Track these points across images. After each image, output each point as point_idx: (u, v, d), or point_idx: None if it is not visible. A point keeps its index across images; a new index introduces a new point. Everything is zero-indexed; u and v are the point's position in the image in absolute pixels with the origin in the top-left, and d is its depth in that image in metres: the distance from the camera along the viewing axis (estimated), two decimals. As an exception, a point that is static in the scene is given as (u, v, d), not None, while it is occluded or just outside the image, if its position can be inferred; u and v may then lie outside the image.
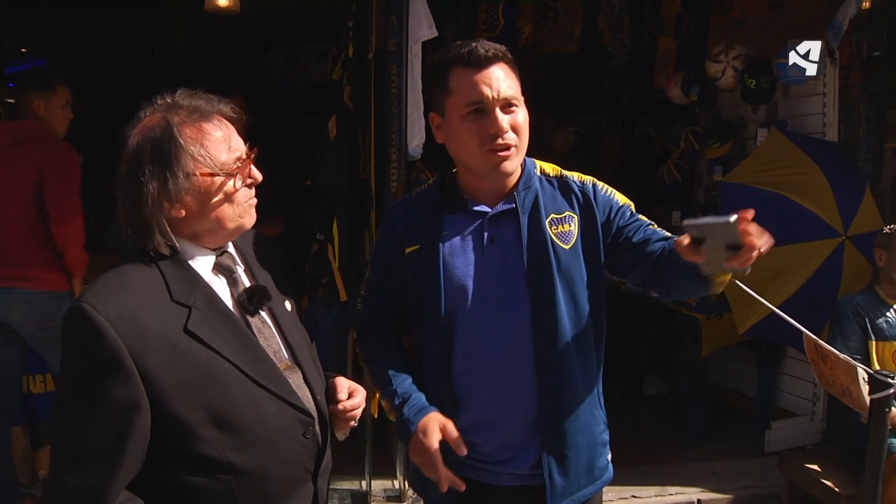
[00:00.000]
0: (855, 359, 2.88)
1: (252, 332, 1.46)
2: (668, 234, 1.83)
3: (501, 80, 1.70)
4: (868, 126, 4.82)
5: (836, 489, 3.23)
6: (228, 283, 1.48)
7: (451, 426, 1.71)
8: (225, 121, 1.46)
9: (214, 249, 1.48)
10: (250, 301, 1.47)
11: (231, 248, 1.53)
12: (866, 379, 2.40)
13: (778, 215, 3.85)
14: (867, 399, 2.39)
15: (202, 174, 1.39)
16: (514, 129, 1.71)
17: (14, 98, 3.61)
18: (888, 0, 4.53)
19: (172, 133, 1.38)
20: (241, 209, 1.46)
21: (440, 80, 1.75)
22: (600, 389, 1.91)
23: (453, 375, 1.81)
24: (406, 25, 3.47)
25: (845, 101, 4.66)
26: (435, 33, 3.53)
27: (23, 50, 6.19)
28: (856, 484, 3.06)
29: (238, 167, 1.44)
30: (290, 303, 1.61)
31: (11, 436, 3.56)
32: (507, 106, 1.71)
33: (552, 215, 1.78)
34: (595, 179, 1.87)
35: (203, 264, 1.45)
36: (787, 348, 4.57)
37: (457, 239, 1.80)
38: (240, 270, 1.52)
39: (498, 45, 1.74)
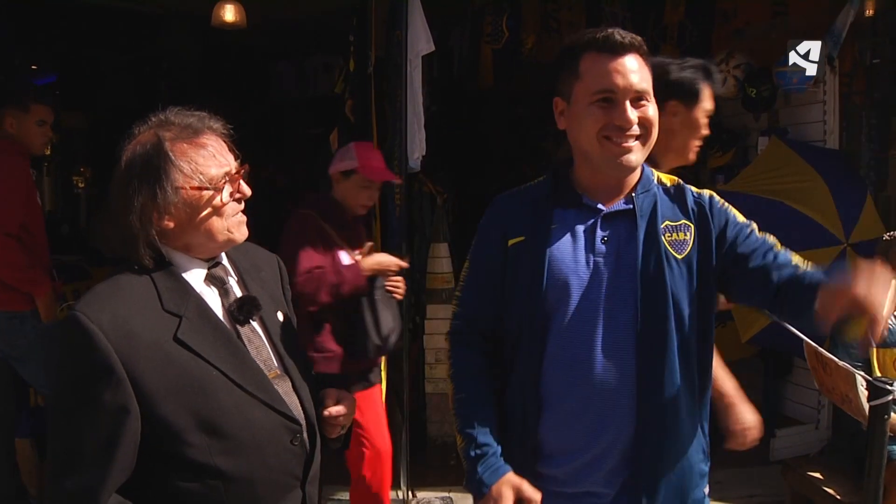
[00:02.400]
0: (855, 366, 2.88)
1: (242, 341, 1.50)
2: (796, 258, 1.68)
3: (635, 72, 1.62)
4: (871, 133, 4.82)
5: (838, 497, 3.22)
6: (220, 294, 1.52)
7: (525, 486, 1.62)
8: (216, 136, 1.50)
9: (207, 261, 1.52)
10: (240, 311, 1.51)
11: (224, 260, 1.57)
12: (865, 386, 2.40)
13: (779, 223, 3.80)
14: (866, 406, 2.38)
15: (191, 188, 1.44)
16: (643, 123, 1.63)
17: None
18: (891, 7, 4.54)
19: (163, 147, 1.43)
20: (230, 223, 1.49)
21: (570, 63, 1.66)
22: (704, 416, 1.75)
23: (542, 385, 1.68)
24: (406, 40, 3.51)
25: (848, 109, 4.68)
26: (432, 48, 3.58)
27: (33, 67, 6.27)
28: (858, 492, 3.04)
29: (226, 181, 1.48)
30: (283, 313, 1.65)
31: (15, 448, 3.59)
32: (637, 99, 1.62)
33: (667, 222, 1.67)
34: (713, 192, 1.75)
35: (195, 275, 1.49)
36: (793, 357, 4.56)
37: (566, 234, 1.69)
38: (232, 281, 1.56)
39: (635, 36, 1.64)
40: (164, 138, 1.44)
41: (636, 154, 1.63)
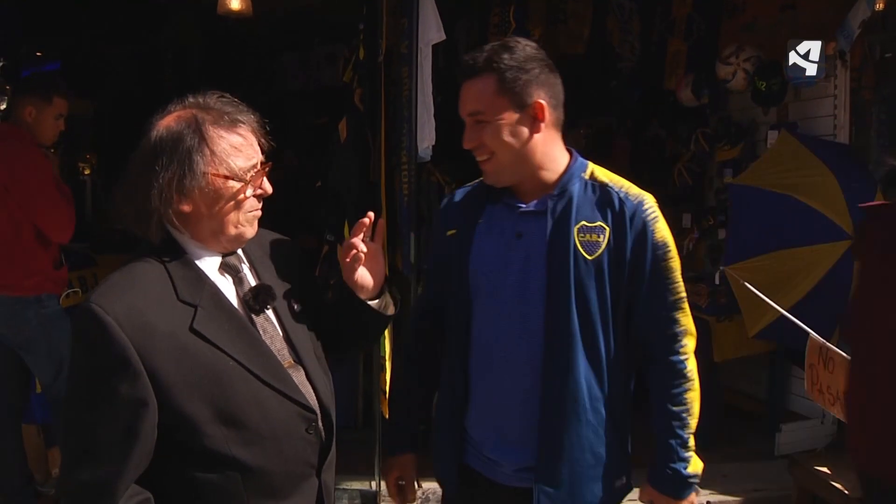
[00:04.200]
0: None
1: (257, 330, 1.49)
2: (672, 330, 1.83)
3: (469, 98, 1.74)
4: (880, 128, 4.79)
5: (846, 492, 3.22)
6: (234, 283, 1.51)
7: (408, 475, 2.00)
8: (249, 129, 1.49)
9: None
10: (255, 300, 1.50)
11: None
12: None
13: (788, 218, 3.84)
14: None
15: (218, 175, 1.42)
16: (482, 145, 1.74)
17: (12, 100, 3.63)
18: (902, 2, 4.50)
19: (198, 129, 1.41)
20: (245, 218, 1.48)
21: None
22: (618, 416, 1.84)
23: (469, 363, 1.86)
24: (416, 28, 3.49)
25: (857, 104, 4.64)
26: (443, 36, 3.55)
27: (38, 53, 6.25)
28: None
29: (252, 176, 1.47)
30: (297, 301, 1.63)
31: (22, 434, 3.59)
32: (475, 122, 1.74)
33: (583, 222, 1.76)
34: (646, 197, 1.81)
35: (209, 263, 1.48)
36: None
37: (490, 227, 1.83)
38: (245, 269, 1.55)
39: (488, 54, 1.73)
40: (202, 120, 1.42)
41: (491, 175, 1.79)
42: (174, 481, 1.39)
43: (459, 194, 1.98)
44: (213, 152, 1.41)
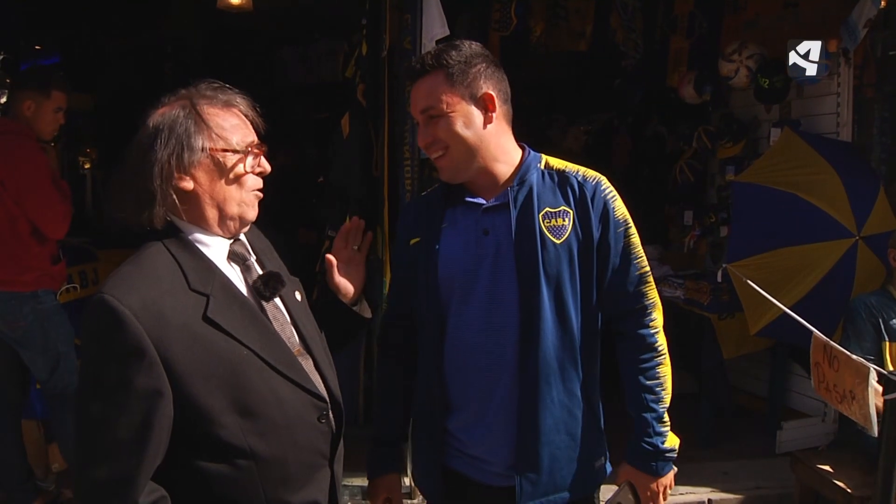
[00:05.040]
0: (868, 359, 2.86)
1: (267, 318, 1.49)
2: (641, 304, 1.87)
3: (420, 95, 1.77)
4: (882, 126, 4.79)
5: (849, 490, 3.21)
6: (242, 271, 1.51)
7: (395, 495, 1.94)
8: (242, 112, 1.51)
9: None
10: (266, 287, 1.50)
11: (242, 236, 1.56)
12: (878, 379, 2.38)
13: (790, 215, 3.84)
14: (872, 403, 2.37)
15: (216, 149, 1.44)
16: (437, 140, 1.77)
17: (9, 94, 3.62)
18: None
19: (194, 108, 1.43)
20: (247, 197, 1.49)
21: None
22: (591, 396, 1.89)
23: (444, 364, 1.86)
24: (420, 24, 3.48)
25: (859, 101, 4.63)
26: (447, 32, 3.54)
27: (37, 47, 6.22)
28: (869, 485, 3.04)
29: (250, 152, 1.48)
30: (300, 292, 1.64)
31: (22, 430, 3.57)
32: (428, 118, 1.77)
33: (547, 209, 1.80)
34: (602, 178, 1.87)
35: (217, 252, 1.47)
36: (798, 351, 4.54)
37: (454, 230, 1.85)
38: (252, 259, 1.55)
39: (435, 53, 1.77)
40: (196, 101, 1.45)
41: (446, 170, 1.81)
42: (185, 474, 1.37)
43: (415, 203, 2.02)
44: (209, 128, 1.43)
